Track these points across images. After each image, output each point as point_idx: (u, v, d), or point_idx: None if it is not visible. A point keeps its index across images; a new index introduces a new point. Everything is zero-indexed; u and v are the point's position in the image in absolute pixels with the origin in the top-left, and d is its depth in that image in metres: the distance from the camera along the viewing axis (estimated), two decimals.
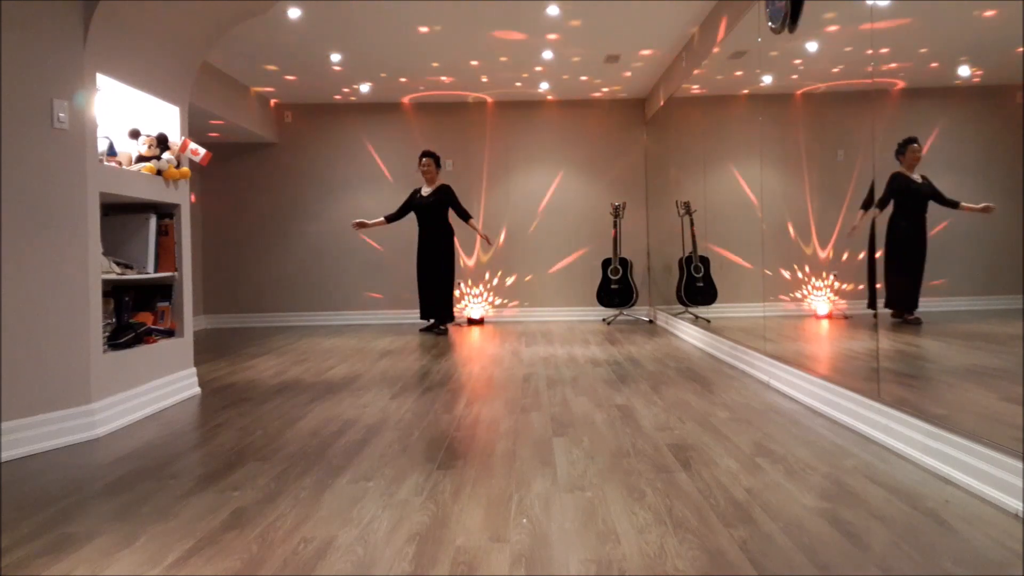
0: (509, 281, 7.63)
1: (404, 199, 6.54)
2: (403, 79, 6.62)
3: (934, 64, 2.68)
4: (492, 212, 7.60)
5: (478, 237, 6.87)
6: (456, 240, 6.64)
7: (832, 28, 3.28)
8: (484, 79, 6.65)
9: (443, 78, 6.61)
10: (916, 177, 2.76)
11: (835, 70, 3.42)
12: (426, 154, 6.43)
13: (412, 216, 6.53)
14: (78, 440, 2.88)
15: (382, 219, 6.44)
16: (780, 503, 2.01)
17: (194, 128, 6.45)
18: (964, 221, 2.58)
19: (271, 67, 6.16)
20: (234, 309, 7.63)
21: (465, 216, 6.48)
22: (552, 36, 5.41)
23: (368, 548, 1.77)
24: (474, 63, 6.11)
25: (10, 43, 2.74)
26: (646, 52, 5.90)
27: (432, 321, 6.52)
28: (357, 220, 6.53)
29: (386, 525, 1.92)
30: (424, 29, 5.21)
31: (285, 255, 7.63)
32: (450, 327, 6.80)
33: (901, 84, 2.79)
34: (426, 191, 6.40)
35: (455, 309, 6.91)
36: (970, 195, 2.54)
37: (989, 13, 2.34)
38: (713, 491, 2.12)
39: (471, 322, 7.35)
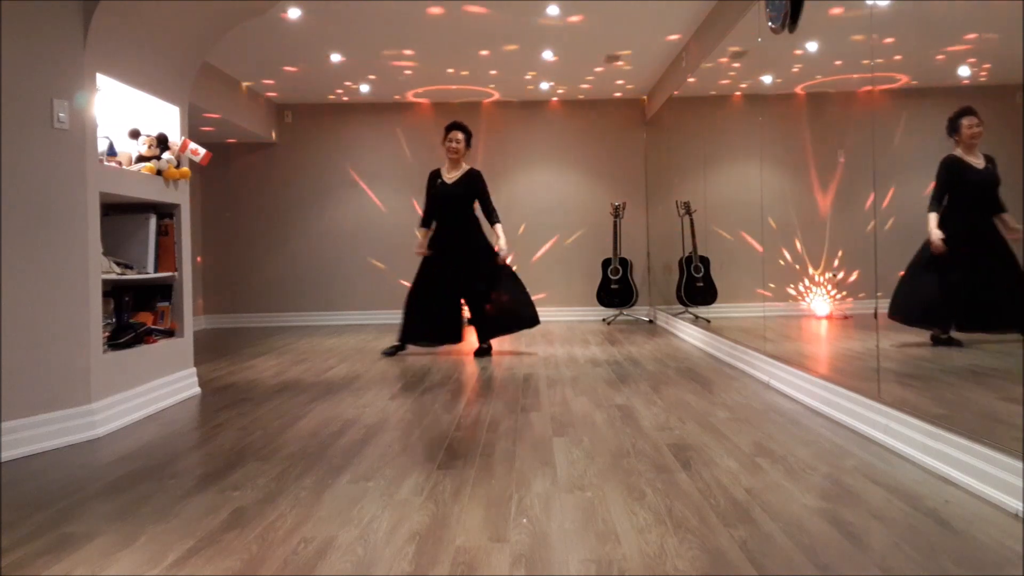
0: None
1: (424, 194, 5.07)
2: (402, 79, 6.62)
3: (934, 64, 2.68)
4: None
5: (497, 248, 4.92)
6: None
7: (832, 28, 3.28)
8: (484, 79, 6.65)
9: (443, 78, 6.61)
10: (976, 161, 2.24)
11: (835, 69, 3.42)
12: (457, 127, 4.92)
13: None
14: (78, 440, 2.88)
15: (424, 230, 5.00)
16: (780, 503, 2.00)
17: (194, 128, 6.45)
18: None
19: (271, 67, 6.16)
20: (234, 309, 7.63)
21: (494, 218, 4.94)
22: (552, 35, 5.41)
23: (368, 548, 1.77)
24: (474, 63, 6.11)
25: (10, 43, 2.74)
26: (646, 52, 5.89)
27: (486, 342, 5.03)
28: (420, 249, 4.98)
29: (386, 525, 1.92)
30: (424, 29, 5.21)
31: (285, 255, 7.63)
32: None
33: (902, 83, 2.79)
34: (450, 176, 4.90)
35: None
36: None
37: (988, 13, 2.34)
38: (713, 491, 2.12)
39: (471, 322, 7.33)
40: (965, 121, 2.24)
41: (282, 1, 4.58)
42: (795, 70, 3.74)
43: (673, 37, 5.50)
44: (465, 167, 4.98)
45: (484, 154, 7.59)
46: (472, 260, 4.88)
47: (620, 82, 6.89)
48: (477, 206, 5.00)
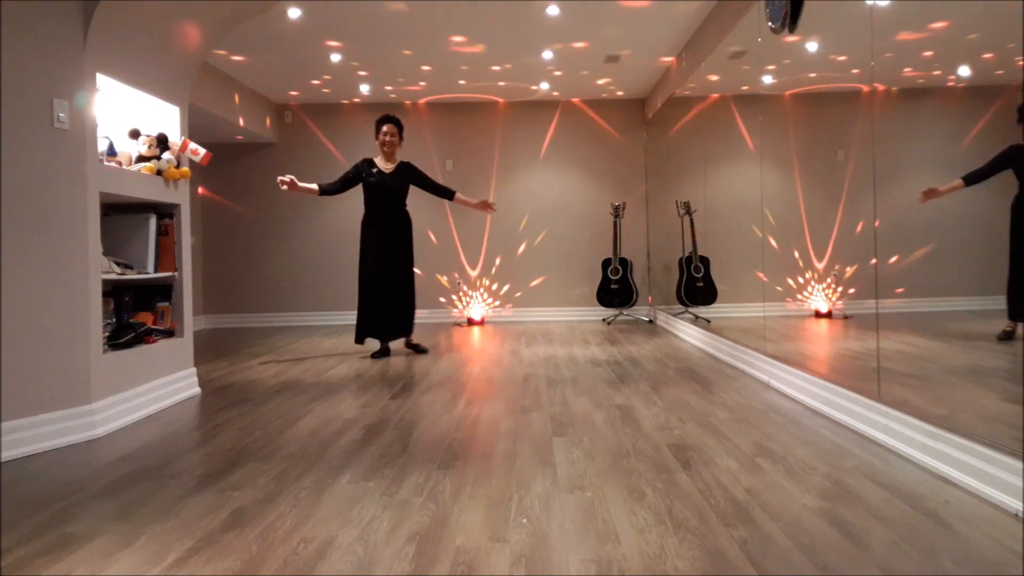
0: (509, 281, 7.63)
1: (348, 169, 5.05)
2: (402, 79, 6.62)
3: (935, 63, 2.68)
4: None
5: (487, 213, 5.13)
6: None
7: (832, 28, 3.28)
8: (484, 79, 6.65)
9: (442, 78, 6.61)
10: None
11: (834, 70, 3.42)
12: (389, 120, 5.01)
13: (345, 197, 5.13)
14: (78, 440, 2.88)
15: (315, 186, 4.90)
16: (780, 503, 2.00)
17: (194, 128, 6.45)
18: (964, 220, 2.58)
19: (271, 67, 6.16)
20: (234, 309, 7.63)
21: (448, 193, 5.17)
22: (552, 36, 5.41)
23: (368, 548, 1.77)
24: (474, 63, 6.11)
25: (10, 43, 2.74)
26: (646, 52, 5.89)
27: (402, 342, 5.21)
28: (291, 179, 4.75)
29: (386, 525, 1.92)
30: (424, 29, 5.21)
31: (285, 255, 7.63)
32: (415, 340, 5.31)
33: (901, 84, 2.79)
34: (387, 167, 5.01)
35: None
36: (969, 195, 2.53)
37: (987, 13, 2.34)
38: (713, 491, 2.12)
39: (471, 322, 7.35)
40: None
41: (282, 1, 4.58)
42: (794, 70, 3.74)
43: (673, 37, 5.50)
44: (398, 159, 5.10)
45: (485, 155, 7.59)
46: (399, 258, 5.01)
47: (620, 82, 6.89)
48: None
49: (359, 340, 5.02)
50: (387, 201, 4.99)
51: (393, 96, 7.30)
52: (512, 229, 7.61)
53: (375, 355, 5.03)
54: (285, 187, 4.76)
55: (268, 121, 7.35)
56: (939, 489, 2.08)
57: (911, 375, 2.76)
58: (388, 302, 4.97)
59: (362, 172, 4.98)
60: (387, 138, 4.97)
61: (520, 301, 7.64)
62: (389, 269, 4.96)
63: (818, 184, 3.63)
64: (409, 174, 5.07)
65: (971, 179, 2.41)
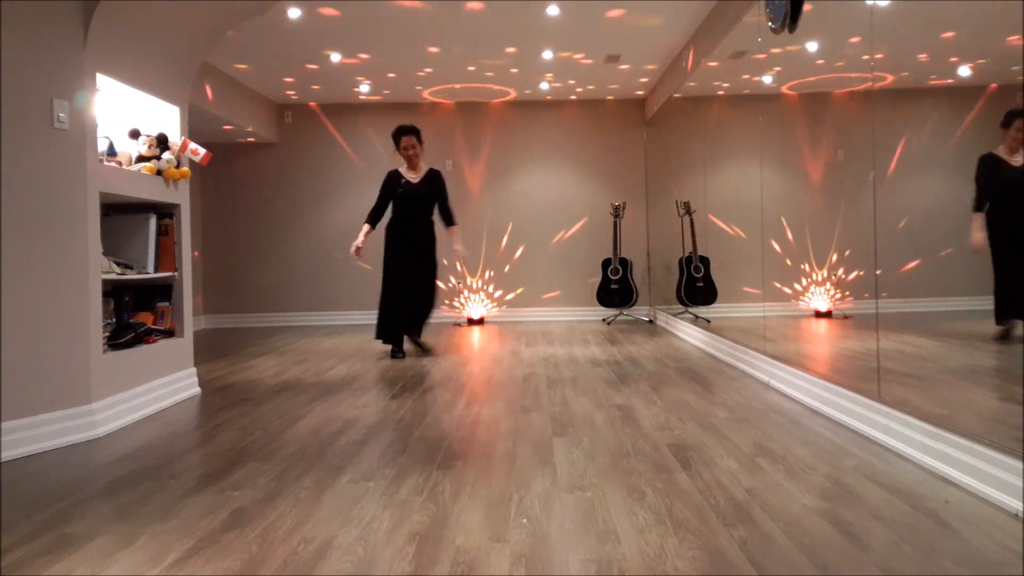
0: (509, 281, 7.63)
1: (380, 190, 5.05)
2: (403, 79, 6.62)
3: (934, 64, 2.68)
4: (492, 212, 7.60)
5: (455, 249, 5.17)
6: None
7: (832, 28, 3.28)
8: (484, 79, 6.65)
9: (443, 78, 6.61)
10: (1015, 159, 2.19)
11: (835, 70, 3.42)
12: (408, 131, 4.95)
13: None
14: (78, 440, 2.88)
15: (367, 227, 4.99)
16: (780, 503, 2.00)
17: (194, 128, 6.44)
18: (963, 220, 2.58)
19: (271, 67, 6.16)
20: (234, 309, 7.63)
21: (451, 219, 5.14)
22: (552, 36, 5.40)
23: (368, 548, 1.77)
24: (474, 63, 6.11)
25: (10, 43, 2.74)
26: (646, 52, 5.89)
27: (416, 345, 5.23)
28: (356, 247, 4.90)
29: (386, 525, 1.92)
30: (424, 29, 5.21)
31: (285, 255, 7.63)
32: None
33: (901, 84, 2.79)
34: (413, 176, 5.01)
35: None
36: (968, 196, 2.53)
37: (988, 14, 2.34)
38: (713, 491, 2.12)
39: (471, 322, 7.35)
40: (1018, 123, 2.18)
41: (282, 1, 4.58)
42: (795, 70, 3.74)
43: (673, 37, 5.50)
44: (425, 166, 5.10)
45: (485, 155, 7.60)
46: (427, 262, 5.06)
47: (620, 82, 6.89)
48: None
49: (379, 337, 5.06)
50: (416, 208, 4.99)
51: (393, 96, 7.30)
52: (513, 229, 7.61)
53: (392, 355, 5.02)
54: (357, 254, 4.90)
55: (268, 121, 7.35)
56: (939, 489, 2.08)
57: (911, 375, 2.76)
58: (408, 304, 4.99)
59: (392, 187, 4.99)
60: (410, 152, 4.96)
61: (520, 301, 7.64)
62: (415, 273, 4.98)
63: (820, 183, 3.63)
64: (436, 184, 5.06)
65: (978, 207, 2.39)
